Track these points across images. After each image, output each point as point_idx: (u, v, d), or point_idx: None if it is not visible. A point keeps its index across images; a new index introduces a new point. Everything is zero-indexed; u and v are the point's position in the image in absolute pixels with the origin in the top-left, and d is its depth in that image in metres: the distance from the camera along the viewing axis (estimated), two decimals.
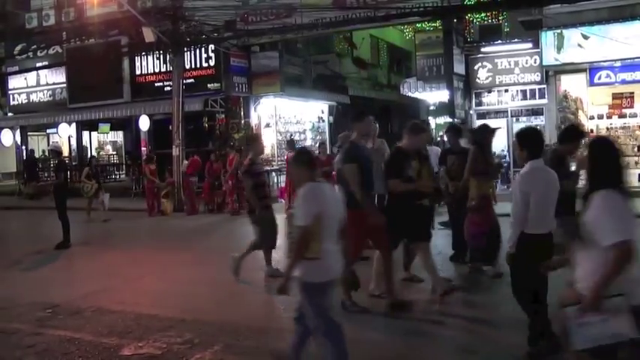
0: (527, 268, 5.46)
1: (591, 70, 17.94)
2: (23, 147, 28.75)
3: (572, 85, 18.95)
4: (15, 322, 7.32)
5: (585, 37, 17.07)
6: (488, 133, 9.31)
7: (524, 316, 5.79)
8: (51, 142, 26.25)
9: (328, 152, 17.45)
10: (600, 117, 18.61)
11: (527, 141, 5.78)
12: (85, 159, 25.81)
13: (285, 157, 18.84)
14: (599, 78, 18.05)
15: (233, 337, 6.67)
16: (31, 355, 6.44)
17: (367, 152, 7.74)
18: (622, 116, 18.43)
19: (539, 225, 5.61)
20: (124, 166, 28.69)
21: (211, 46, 22.27)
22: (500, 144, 21.04)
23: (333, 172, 16.17)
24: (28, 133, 28.85)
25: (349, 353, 5.05)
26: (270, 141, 23.59)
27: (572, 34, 17.29)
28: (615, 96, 18.28)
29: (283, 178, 19.80)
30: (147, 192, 19.58)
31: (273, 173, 21.79)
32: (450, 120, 20.93)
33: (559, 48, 17.43)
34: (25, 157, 27.52)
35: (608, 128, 18.42)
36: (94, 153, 29.58)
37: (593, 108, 18.69)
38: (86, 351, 6.55)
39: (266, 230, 9.31)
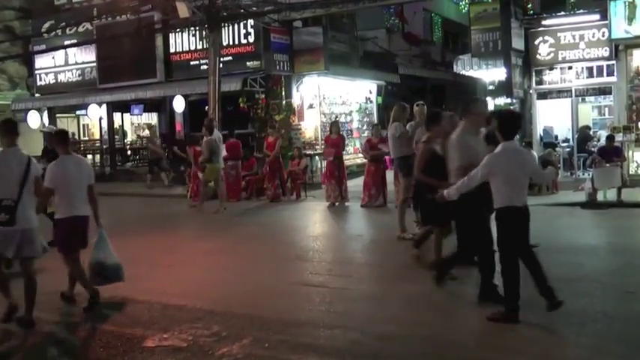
0: None
1: None
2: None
3: None
4: (35, 310, 7.42)
5: None
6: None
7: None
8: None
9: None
10: None
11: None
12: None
13: (324, 139, 18.76)
14: None
15: (263, 331, 6.69)
16: (49, 345, 6.55)
17: None
18: None
19: None
20: None
21: (250, 22, 22.26)
22: (563, 127, 20.71)
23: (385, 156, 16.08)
24: (57, 115, 29.29)
25: None
26: (313, 123, 23.58)
27: None
28: None
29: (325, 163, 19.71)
30: (192, 176, 19.49)
31: (317, 157, 21.79)
32: (509, 100, 20.64)
33: (630, 19, 16.88)
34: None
35: None
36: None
37: None
38: (107, 342, 6.66)
39: None
